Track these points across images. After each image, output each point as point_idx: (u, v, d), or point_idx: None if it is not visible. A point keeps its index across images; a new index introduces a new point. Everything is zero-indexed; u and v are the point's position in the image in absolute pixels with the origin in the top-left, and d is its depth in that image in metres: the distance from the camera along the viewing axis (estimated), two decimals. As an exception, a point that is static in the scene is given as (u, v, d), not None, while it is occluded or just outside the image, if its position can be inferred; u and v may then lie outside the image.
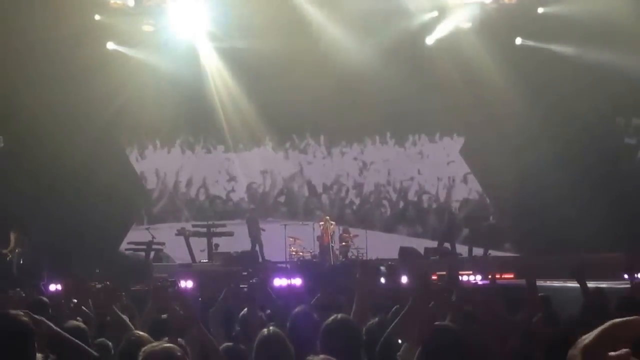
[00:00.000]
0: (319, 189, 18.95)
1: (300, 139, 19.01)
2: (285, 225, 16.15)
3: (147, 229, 16.43)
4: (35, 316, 3.61)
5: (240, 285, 5.91)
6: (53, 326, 3.53)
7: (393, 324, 3.84)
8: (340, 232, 16.01)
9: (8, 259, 13.69)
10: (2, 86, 15.49)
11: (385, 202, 18.80)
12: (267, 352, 3.49)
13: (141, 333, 3.68)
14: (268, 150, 19.08)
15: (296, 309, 4.31)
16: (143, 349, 3.16)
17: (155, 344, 3.21)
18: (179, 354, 3.06)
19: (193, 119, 18.16)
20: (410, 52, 16.98)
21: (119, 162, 18.25)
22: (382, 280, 7.57)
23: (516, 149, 16.72)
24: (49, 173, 15.83)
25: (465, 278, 10.33)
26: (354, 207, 18.81)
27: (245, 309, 4.89)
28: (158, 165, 18.92)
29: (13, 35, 15.14)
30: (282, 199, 19.00)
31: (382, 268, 11.90)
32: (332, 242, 15.40)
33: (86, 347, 3.67)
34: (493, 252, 16.16)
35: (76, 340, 3.67)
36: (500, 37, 16.45)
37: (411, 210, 18.69)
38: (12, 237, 13.90)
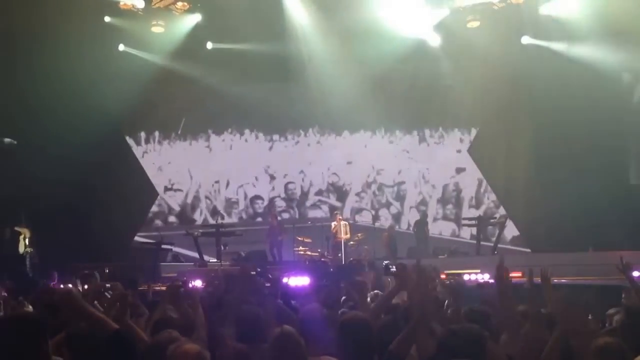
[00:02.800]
0: (357, 187, 19.00)
1: (337, 134, 19.15)
2: (293, 225, 16.22)
3: (157, 228, 16.53)
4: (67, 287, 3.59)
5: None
6: (79, 300, 3.51)
7: (397, 339, 3.84)
8: (386, 230, 16.22)
9: (24, 250, 13.87)
10: (13, 86, 15.60)
11: (426, 200, 18.79)
12: (282, 350, 3.55)
13: (172, 331, 3.72)
14: (303, 148, 19.21)
15: (306, 307, 4.35)
16: (170, 347, 3.17)
17: (181, 343, 3.22)
18: (207, 356, 3.08)
19: (228, 117, 18.51)
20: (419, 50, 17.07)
21: (132, 162, 18.44)
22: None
23: (524, 147, 16.72)
24: (60, 172, 15.92)
25: (473, 277, 10.33)
26: (393, 206, 18.83)
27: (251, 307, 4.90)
28: (192, 165, 19.07)
29: (21, 34, 15.25)
30: (321, 197, 19.05)
31: (392, 267, 11.94)
32: (343, 239, 15.49)
33: (108, 321, 3.63)
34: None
35: (99, 315, 3.65)
36: (507, 36, 16.46)
37: (449, 209, 18.65)
38: (27, 232, 14.07)
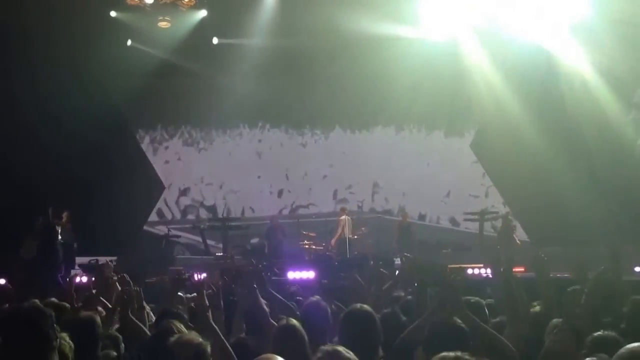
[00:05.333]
0: (383, 182, 18.94)
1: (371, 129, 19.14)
2: (298, 220, 16.30)
3: (165, 222, 16.61)
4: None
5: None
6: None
7: (410, 328, 3.91)
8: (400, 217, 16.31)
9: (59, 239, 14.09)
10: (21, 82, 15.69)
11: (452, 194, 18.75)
12: (284, 341, 3.63)
13: (172, 321, 3.82)
14: (332, 143, 19.19)
15: (308, 300, 4.44)
16: (173, 338, 3.25)
17: (183, 334, 3.30)
18: (208, 349, 3.15)
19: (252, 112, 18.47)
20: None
21: (140, 156, 18.54)
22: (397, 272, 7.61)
23: (528, 141, 16.73)
24: (65, 167, 16.05)
25: (476, 271, 10.39)
26: (419, 200, 18.77)
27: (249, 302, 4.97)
28: (219, 159, 19.05)
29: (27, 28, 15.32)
30: (350, 190, 18.96)
31: (397, 260, 12.02)
32: (346, 235, 15.53)
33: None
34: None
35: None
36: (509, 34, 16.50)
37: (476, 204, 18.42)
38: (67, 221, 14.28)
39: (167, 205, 18.90)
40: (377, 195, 18.94)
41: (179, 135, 19.19)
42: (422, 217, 18.48)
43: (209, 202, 18.84)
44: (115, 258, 12.53)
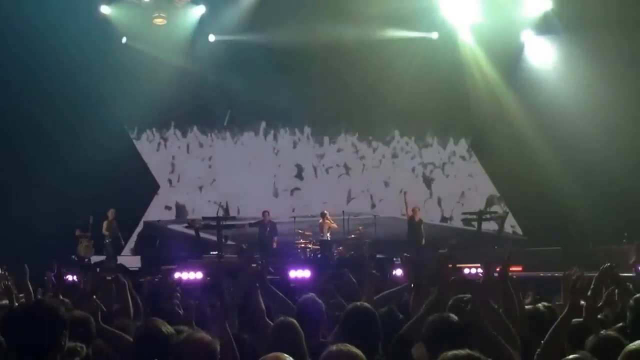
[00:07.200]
0: (398, 183, 18.69)
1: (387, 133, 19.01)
2: (294, 218, 16.22)
3: (158, 221, 16.52)
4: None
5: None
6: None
7: (409, 323, 3.86)
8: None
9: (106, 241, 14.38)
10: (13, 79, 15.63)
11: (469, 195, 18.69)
12: (282, 338, 3.63)
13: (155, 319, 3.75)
14: (345, 145, 19.08)
15: (303, 297, 4.40)
16: (181, 336, 3.18)
17: (192, 333, 3.24)
18: (218, 348, 3.09)
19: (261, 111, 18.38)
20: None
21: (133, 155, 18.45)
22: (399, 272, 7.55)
23: (526, 140, 16.75)
24: (64, 166, 15.98)
25: (473, 271, 10.30)
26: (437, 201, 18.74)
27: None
28: (234, 159, 18.86)
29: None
30: (364, 192, 18.83)
31: (397, 260, 11.97)
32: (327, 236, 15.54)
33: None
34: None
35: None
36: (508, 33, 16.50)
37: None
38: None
39: (165, 204, 18.82)
40: (382, 196, 18.84)
41: (176, 133, 19.07)
42: (429, 216, 18.39)
43: (213, 202, 18.62)
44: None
